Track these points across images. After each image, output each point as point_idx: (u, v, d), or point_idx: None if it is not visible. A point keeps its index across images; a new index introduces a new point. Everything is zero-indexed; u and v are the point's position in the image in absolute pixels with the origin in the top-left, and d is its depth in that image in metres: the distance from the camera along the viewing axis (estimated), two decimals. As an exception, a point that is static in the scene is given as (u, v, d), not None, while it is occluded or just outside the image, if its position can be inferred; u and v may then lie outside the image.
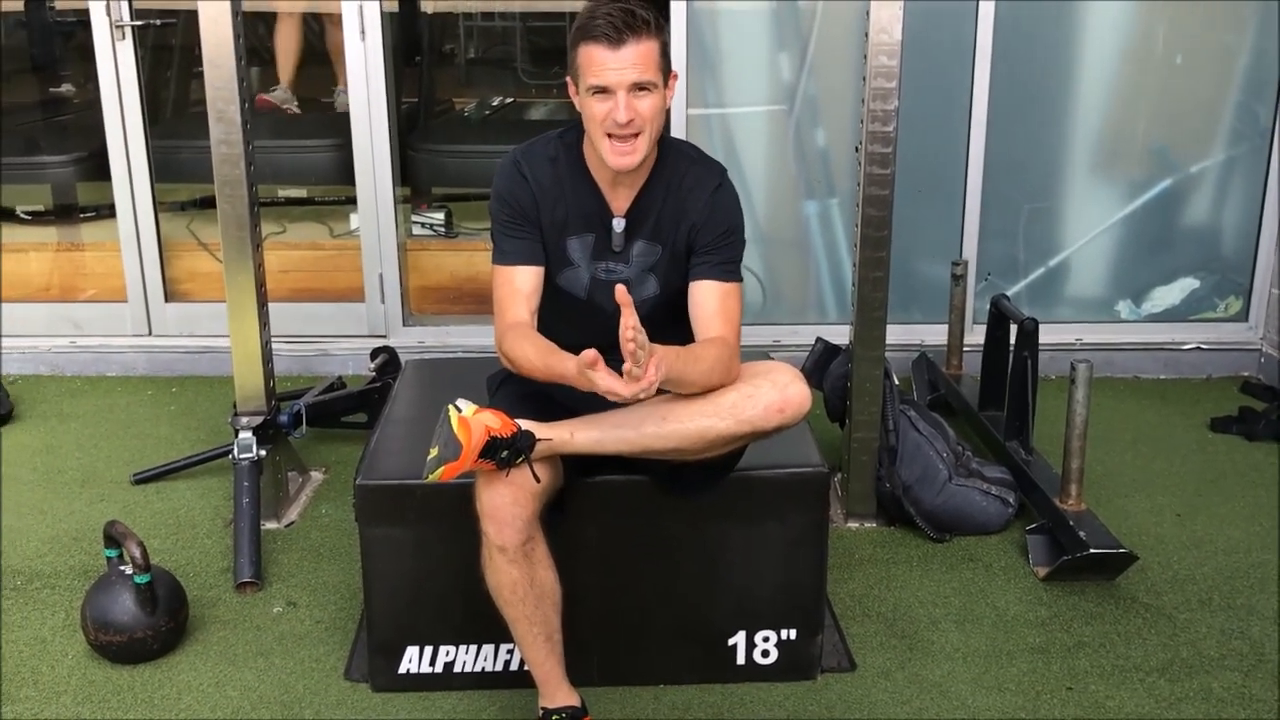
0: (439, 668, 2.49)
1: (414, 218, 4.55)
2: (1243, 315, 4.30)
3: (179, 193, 4.70)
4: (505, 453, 2.08)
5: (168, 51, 4.94)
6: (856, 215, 3.00)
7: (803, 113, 4.11)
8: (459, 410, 2.07)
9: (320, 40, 5.14)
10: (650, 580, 2.47)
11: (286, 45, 5.01)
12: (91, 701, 2.46)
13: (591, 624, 2.41)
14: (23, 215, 4.80)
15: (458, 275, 4.46)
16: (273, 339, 3.21)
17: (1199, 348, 4.28)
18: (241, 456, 3.08)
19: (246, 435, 3.09)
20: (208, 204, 4.41)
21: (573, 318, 2.32)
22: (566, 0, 5.74)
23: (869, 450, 3.13)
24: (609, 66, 2.11)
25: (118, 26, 4.00)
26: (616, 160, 2.18)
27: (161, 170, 4.24)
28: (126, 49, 4.03)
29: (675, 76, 2.24)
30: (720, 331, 2.23)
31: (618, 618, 2.48)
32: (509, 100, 5.83)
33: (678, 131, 3.96)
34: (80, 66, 4.82)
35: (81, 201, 4.83)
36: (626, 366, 1.94)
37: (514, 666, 2.47)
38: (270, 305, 3.18)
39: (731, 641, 2.50)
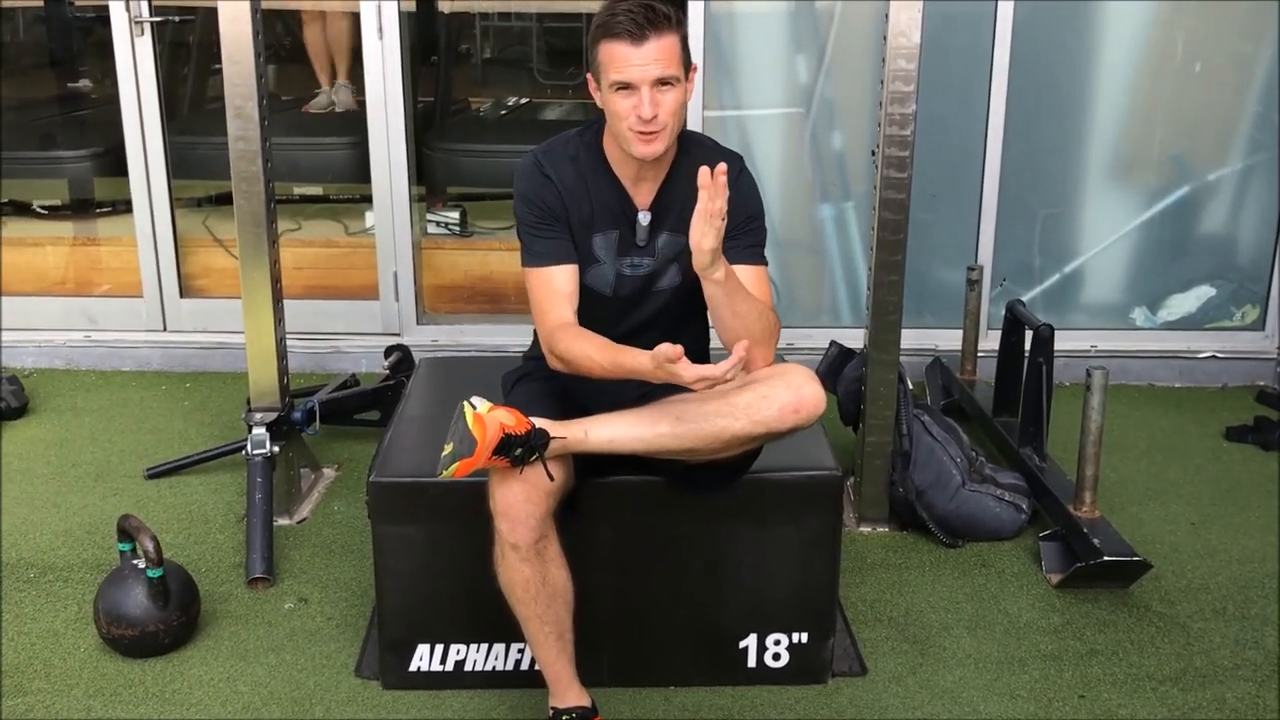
0: (450, 666, 2.49)
1: (429, 216, 4.56)
2: (1259, 324, 4.28)
3: (195, 189, 4.72)
4: (519, 450, 2.08)
5: (186, 48, 4.96)
6: (872, 218, 2.99)
7: (819, 115, 4.10)
8: (474, 407, 2.07)
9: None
10: (662, 581, 2.47)
11: (339, 44, 4.98)
12: (102, 695, 2.46)
13: (602, 624, 2.40)
14: (39, 210, 4.81)
15: (472, 274, 4.46)
16: (287, 336, 3.21)
17: (1214, 356, 4.26)
18: (255, 452, 3.08)
19: (260, 431, 3.10)
20: (224, 200, 4.43)
21: (597, 313, 2.32)
22: (583, 1, 5.75)
23: (882, 454, 3.12)
24: (632, 63, 2.12)
25: (136, 23, 4.01)
26: (642, 149, 2.18)
27: (178, 166, 4.26)
28: (145, 45, 4.04)
29: (695, 69, 2.24)
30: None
31: (629, 618, 2.47)
32: (525, 100, 5.84)
33: (694, 133, 3.96)
34: (98, 62, 4.85)
35: (98, 197, 4.85)
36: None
37: (525, 666, 2.47)
38: (285, 302, 3.19)
39: (743, 644, 2.49)
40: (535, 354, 2.42)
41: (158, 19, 4.06)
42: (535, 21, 6.03)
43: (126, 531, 2.60)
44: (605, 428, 2.18)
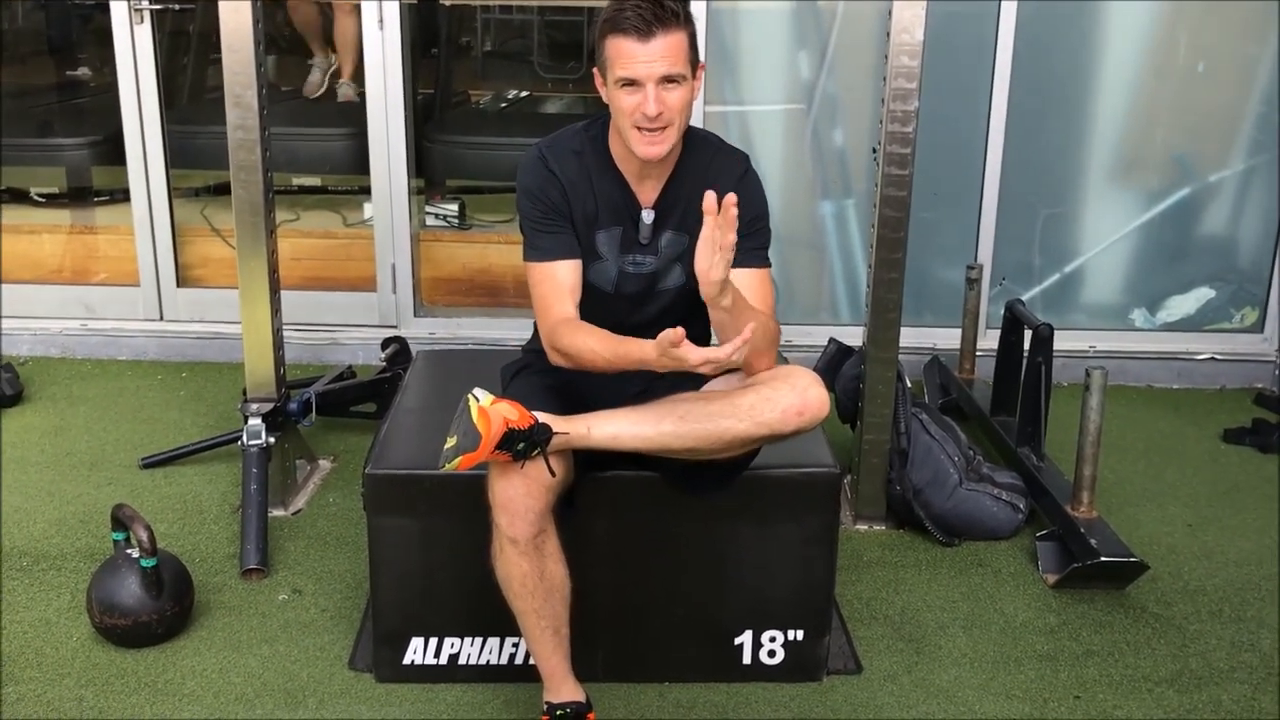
0: (444, 659, 2.48)
1: (428, 209, 4.55)
2: (1258, 327, 4.28)
3: (193, 178, 4.70)
4: (522, 445, 2.07)
5: (185, 36, 4.94)
6: (873, 216, 2.99)
7: (821, 112, 4.09)
8: (477, 400, 2.06)
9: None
10: (658, 577, 2.46)
11: (345, 37, 4.96)
12: (95, 684, 2.45)
13: (598, 619, 2.40)
14: (37, 197, 4.80)
15: (470, 267, 4.45)
16: (284, 326, 3.20)
17: (1213, 358, 4.25)
18: (250, 443, 3.07)
19: (256, 422, 3.09)
20: (222, 190, 4.40)
21: (598, 311, 2.30)
22: (584, -5, 5.74)
23: (880, 452, 3.11)
24: (638, 59, 2.10)
25: (136, 10, 4.00)
26: (645, 150, 2.17)
27: (176, 155, 4.24)
28: (144, 33, 4.03)
29: (703, 67, 2.23)
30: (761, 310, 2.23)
31: (624, 613, 2.47)
32: (525, 94, 5.82)
33: (695, 128, 3.96)
34: (98, 50, 4.83)
35: (96, 185, 4.83)
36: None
37: (519, 660, 2.46)
38: (282, 293, 3.18)
39: (738, 641, 2.49)
40: (535, 346, 2.41)
41: (157, 6, 4.05)
42: (536, 15, 6.01)
43: (121, 521, 2.59)
44: (608, 424, 2.17)
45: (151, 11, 4.02)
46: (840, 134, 4.11)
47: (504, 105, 5.68)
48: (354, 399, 3.69)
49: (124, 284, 4.34)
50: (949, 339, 4.03)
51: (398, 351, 3.86)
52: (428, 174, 4.72)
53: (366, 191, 4.28)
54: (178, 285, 4.30)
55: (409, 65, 4.11)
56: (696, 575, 2.46)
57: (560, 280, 2.26)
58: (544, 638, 2.21)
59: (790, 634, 2.49)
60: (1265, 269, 4.22)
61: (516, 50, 6.23)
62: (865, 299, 3.10)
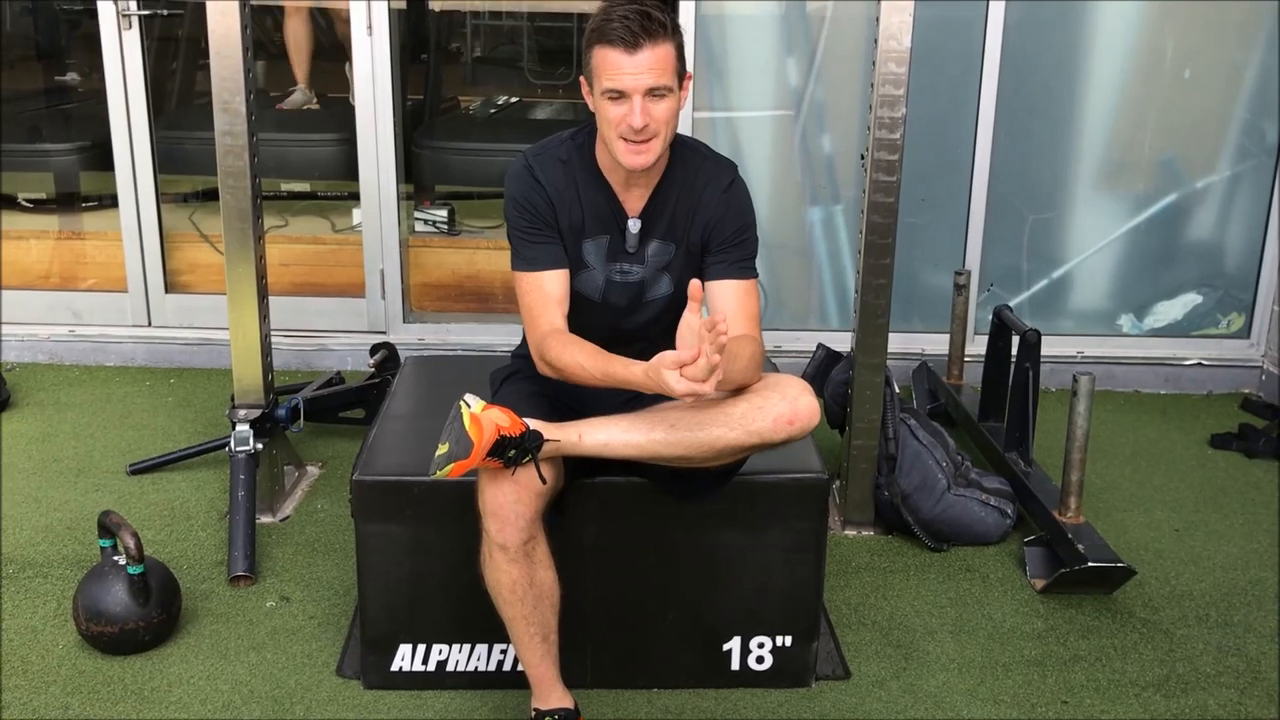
0: (432, 666, 2.47)
1: (417, 214, 4.54)
2: (1245, 332, 4.30)
3: (182, 184, 4.69)
4: (513, 452, 2.06)
5: (173, 42, 4.93)
6: (861, 222, 2.99)
7: (809, 118, 4.10)
8: (469, 406, 2.06)
9: (328, 35, 5.13)
10: (647, 583, 2.46)
11: (298, 42, 4.97)
12: (81, 692, 2.44)
13: (587, 625, 2.40)
14: (24, 203, 4.79)
15: (459, 273, 4.45)
16: (272, 333, 3.19)
17: (1200, 363, 4.27)
18: (238, 449, 3.06)
19: (244, 428, 3.08)
20: (210, 196, 4.40)
21: (586, 319, 2.30)
22: (574, 1, 5.74)
23: (868, 458, 3.12)
24: (625, 71, 2.10)
25: (124, 16, 4.00)
26: (631, 160, 2.17)
27: (165, 161, 4.24)
28: (132, 38, 4.02)
29: (690, 77, 2.23)
30: (746, 330, 2.24)
31: (613, 620, 2.46)
32: (514, 99, 5.83)
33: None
34: (86, 55, 4.82)
35: (84, 191, 4.82)
36: (695, 359, 1.92)
37: (507, 667, 2.46)
38: (270, 299, 3.17)
39: (727, 646, 2.49)
40: (524, 352, 2.40)
41: (145, 12, 4.04)
42: (526, 20, 6.02)
43: (107, 527, 2.58)
44: (599, 432, 2.17)
45: (140, 17, 4.02)
46: (828, 140, 4.12)
47: (493, 111, 5.69)
48: (342, 405, 3.69)
49: (112, 290, 4.33)
50: (937, 344, 4.04)
51: (386, 357, 3.86)
52: (417, 180, 4.72)
53: (355, 197, 4.28)
54: (166, 291, 4.30)
55: (398, 71, 4.11)
56: (685, 581, 2.46)
57: (548, 291, 2.26)
58: (533, 644, 2.21)
59: (779, 639, 2.49)
60: (1252, 274, 4.24)
61: (506, 56, 6.23)
62: (854, 304, 3.10)
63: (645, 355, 2.39)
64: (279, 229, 4.54)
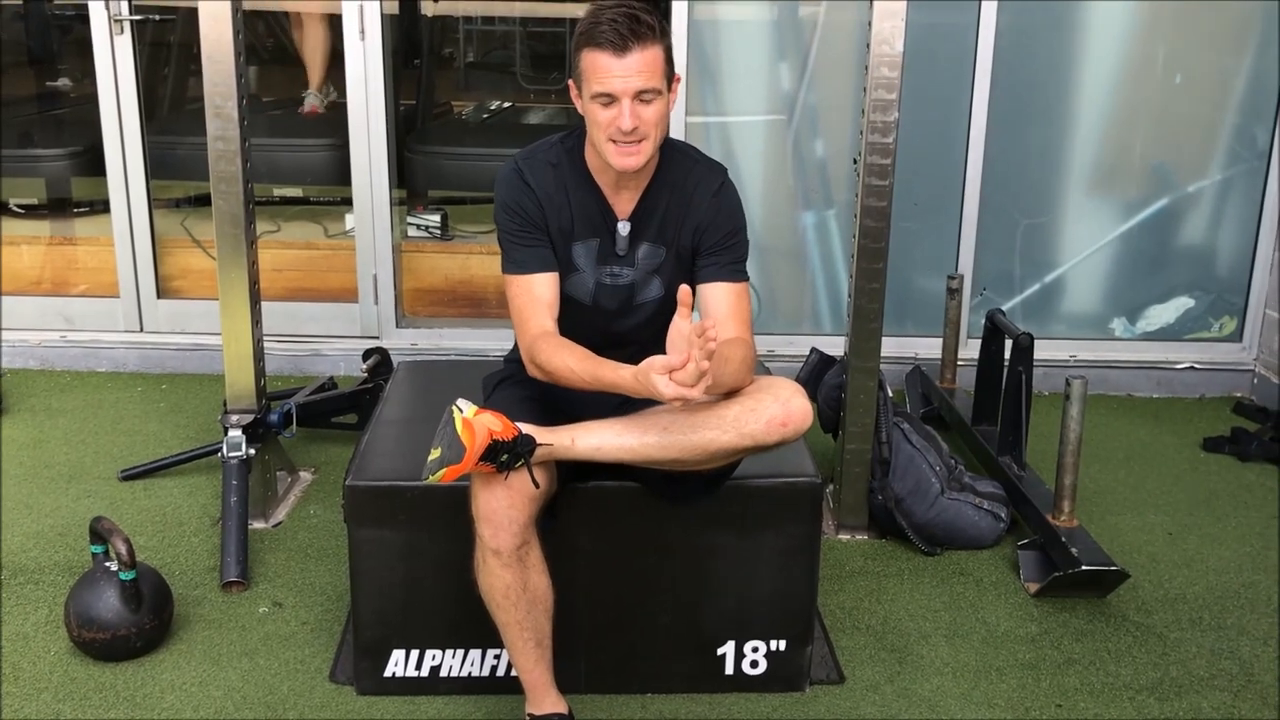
0: (425, 671, 2.47)
1: (409, 219, 4.54)
2: (1236, 336, 4.30)
3: (174, 189, 4.69)
4: (505, 456, 2.06)
5: (165, 48, 4.93)
6: (854, 226, 3.00)
7: (802, 123, 4.10)
8: (461, 411, 2.06)
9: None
10: (640, 588, 2.45)
11: (315, 46, 4.96)
12: (72, 699, 2.43)
13: (580, 630, 2.39)
14: (16, 208, 4.78)
15: (452, 278, 4.45)
16: (265, 338, 3.19)
17: (1193, 367, 4.28)
18: (230, 455, 3.06)
19: (236, 434, 3.07)
20: (202, 201, 4.39)
21: (577, 323, 2.31)
22: (567, 5, 5.75)
23: (862, 462, 3.12)
24: (614, 74, 2.10)
25: (116, 21, 3.99)
26: (621, 161, 2.17)
27: (157, 166, 4.23)
28: (125, 44, 4.01)
29: (678, 80, 2.23)
30: (738, 332, 2.24)
31: (607, 625, 2.46)
32: (507, 104, 5.83)
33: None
34: (78, 61, 4.81)
35: (76, 196, 4.81)
36: (684, 364, 1.92)
37: (500, 672, 2.45)
38: (263, 304, 3.17)
39: (720, 651, 2.48)
40: (516, 356, 2.41)
41: (137, 17, 4.03)
42: (519, 26, 6.03)
43: (99, 533, 2.57)
44: (592, 436, 2.17)
45: (132, 22, 4.01)
46: (821, 145, 4.12)
47: (486, 116, 5.69)
48: (335, 410, 3.68)
49: (104, 295, 4.32)
50: (930, 349, 4.05)
51: (379, 362, 3.85)
52: (410, 185, 4.72)
53: (348, 202, 4.27)
54: (158, 296, 4.28)
55: (390, 76, 4.11)
56: (678, 585, 2.45)
57: (537, 294, 2.26)
58: (526, 649, 2.20)
59: (773, 644, 2.49)
60: (1243, 278, 4.25)
61: (499, 61, 6.24)
62: (847, 309, 3.10)
63: (637, 359, 2.39)
64: (271, 234, 4.54)
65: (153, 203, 4.24)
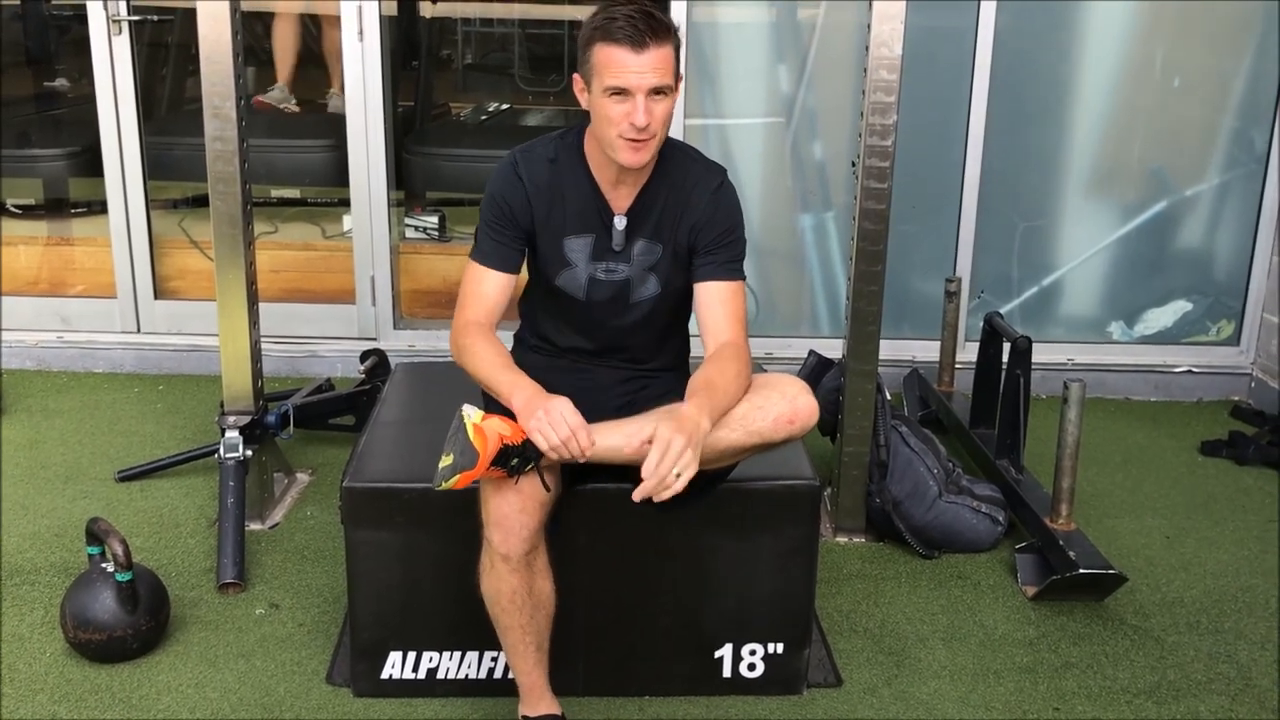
0: (422, 673, 2.46)
1: (407, 221, 4.54)
2: (1234, 339, 4.31)
3: (171, 190, 4.68)
4: (515, 460, 2.06)
5: (163, 48, 4.92)
6: (852, 229, 3.00)
7: (800, 125, 4.10)
8: (470, 416, 2.05)
9: (318, 42, 5.13)
10: (638, 590, 2.45)
11: (284, 44, 4.98)
12: (68, 700, 2.42)
13: (578, 632, 2.39)
14: (13, 209, 4.77)
15: (450, 279, 4.44)
16: (262, 339, 3.18)
17: (1190, 371, 4.28)
18: (227, 456, 3.05)
19: (233, 435, 3.07)
20: (200, 202, 4.39)
21: (571, 318, 2.31)
22: (565, 7, 5.75)
23: (860, 464, 3.12)
24: (630, 69, 2.10)
25: (114, 21, 3.98)
26: (629, 158, 2.16)
27: (154, 167, 4.22)
28: (123, 44, 4.01)
29: (681, 79, 2.24)
30: (732, 334, 2.24)
31: (605, 627, 2.46)
32: (506, 106, 5.83)
33: (675, 141, 3.96)
34: (75, 61, 4.80)
35: (73, 196, 4.80)
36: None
37: (498, 674, 2.45)
38: (260, 305, 3.16)
39: (718, 654, 2.48)
40: (514, 357, 2.40)
41: (135, 18, 4.03)
42: (517, 27, 6.02)
43: (96, 535, 2.56)
44: (605, 438, 2.14)
45: (130, 22, 4.00)
46: (820, 147, 4.12)
47: (485, 118, 5.68)
48: (332, 412, 3.68)
49: (101, 296, 4.31)
50: (928, 351, 4.05)
51: (377, 364, 3.85)
52: (408, 186, 4.71)
53: (346, 204, 4.27)
54: (155, 297, 4.28)
55: (389, 77, 4.10)
56: (676, 588, 2.45)
57: (485, 290, 2.28)
58: (527, 653, 2.20)
59: (770, 647, 2.48)
60: (1241, 282, 4.25)
61: (497, 63, 6.24)
62: (845, 311, 3.10)
63: (635, 362, 2.39)
64: (269, 235, 4.53)
65: (150, 203, 4.23)
